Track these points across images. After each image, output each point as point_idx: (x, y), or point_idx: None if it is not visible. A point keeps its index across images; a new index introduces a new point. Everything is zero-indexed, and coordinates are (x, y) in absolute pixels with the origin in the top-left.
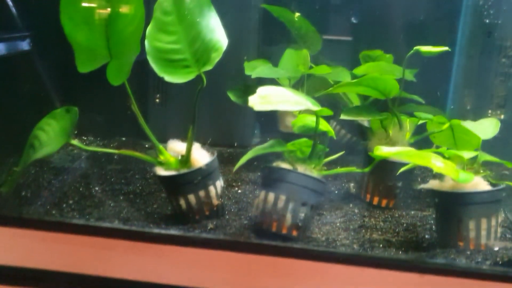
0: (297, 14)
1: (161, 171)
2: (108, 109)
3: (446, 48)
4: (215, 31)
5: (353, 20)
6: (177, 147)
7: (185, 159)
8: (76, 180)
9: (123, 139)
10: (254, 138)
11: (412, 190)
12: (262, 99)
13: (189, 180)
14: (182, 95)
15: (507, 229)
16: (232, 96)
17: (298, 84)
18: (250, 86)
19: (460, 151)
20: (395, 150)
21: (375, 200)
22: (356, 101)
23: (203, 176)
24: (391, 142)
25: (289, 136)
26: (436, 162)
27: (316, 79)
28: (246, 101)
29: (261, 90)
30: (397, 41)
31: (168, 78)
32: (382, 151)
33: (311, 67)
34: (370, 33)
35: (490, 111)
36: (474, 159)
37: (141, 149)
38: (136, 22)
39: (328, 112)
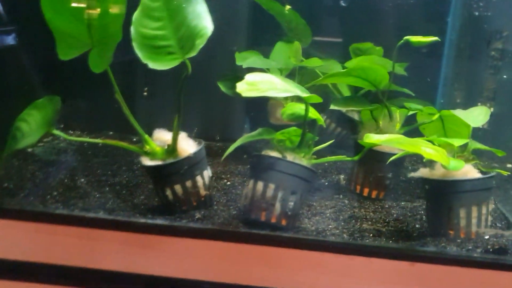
0: (288, 6)
1: (147, 161)
2: (95, 103)
3: (435, 38)
4: (201, 17)
5: (342, 3)
6: (163, 136)
7: (171, 149)
8: (61, 172)
9: (110, 133)
10: (244, 133)
11: (402, 181)
12: (250, 86)
13: (175, 170)
14: (169, 88)
15: (497, 218)
16: (222, 87)
17: (290, 77)
18: (241, 76)
19: (451, 140)
20: (385, 138)
21: (365, 192)
22: (347, 94)
23: (190, 166)
24: (381, 133)
25: (280, 129)
26: (426, 149)
27: (307, 72)
28: (237, 92)
29: (249, 77)
30: (386, 34)
31: (152, 64)
32: (372, 138)
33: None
34: (359, 28)
35: (479, 104)
36: (464, 147)
37: (128, 143)
38: (117, 8)
39: (317, 99)
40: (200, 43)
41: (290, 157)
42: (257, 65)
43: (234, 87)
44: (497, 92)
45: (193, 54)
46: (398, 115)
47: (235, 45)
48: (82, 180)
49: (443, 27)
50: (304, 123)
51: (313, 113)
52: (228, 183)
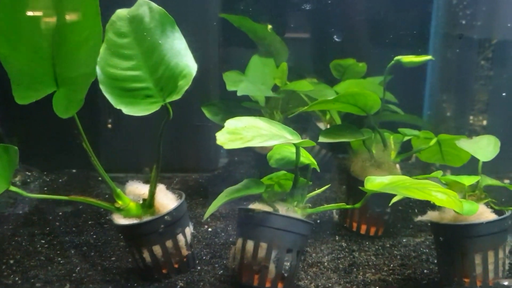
0: (270, 26)
1: (120, 219)
2: (55, 138)
3: (429, 57)
4: (182, 55)
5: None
6: (137, 189)
7: (148, 204)
8: (18, 231)
9: (74, 171)
10: (221, 159)
11: (399, 210)
12: (232, 135)
13: (153, 229)
14: (136, 118)
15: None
16: (207, 113)
17: (273, 99)
18: (227, 101)
19: (460, 177)
20: (389, 180)
21: (363, 229)
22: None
23: (170, 224)
24: (376, 163)
25: (264, 158)
26: (437, 194)
27: (290, 92)
28: (224, 119)
29: (230, 123)
30: (368, 46)
31: (127, 110)
32: (375, 182)
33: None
34: (341, 39)
35: (471, 117)
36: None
37: (94, 183)
38: (91, 42)
39: (309, 143)
40: (184, 84)
41: (282, 209)
42: (249, 92)
43: (220, 113)
44: (489, 104)
45: (176, 97)
46: (392, 141)
47: (204, 64)
48: (43, 241)
49: (425, 35)
50: (296, 168)
51: (305, 157)
52: (210, 229)
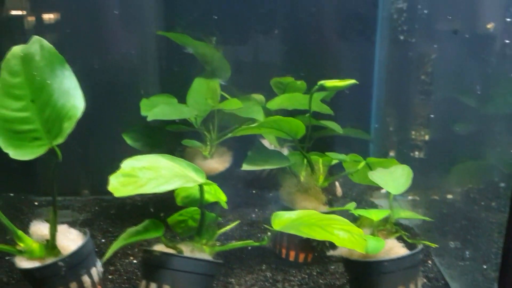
0: (214, 38)
1: (22, 262)
2: None
3: (353, 81)
4: (69, 95)
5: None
6: (40, 229)
7: (51, 246)
8: None
9: (11, 195)
10: None
11: None
12: (127, 178)
13: (54, 272)
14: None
15: (434, 278)
16: (128, 140)
17: (209, 119)
18: (151, 127)
19: (368, 212)
20: (296, 215)
21: (292, 255)
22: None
23: (72, 265)
24: (303, 189)
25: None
26: (339, 233)
27: (227, 113)
28: (146, 145)
29: (127, 164)
30: (316, 62)
31: (14, 153)
32: (282, 218)
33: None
34: (283, 55)
35: (413, 132)
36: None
37: (27, 208)
38: None
39: (209, 183)
40: (68, 127)
41: (187, 249)
42: (165, 116)
43: (142, 139)
44: (431, 118)
45: (60, 140)
46: (321, 165)
47: (139, 86)
48: None
49: (371, 48)
50: (201, 206)
51: (212, 195)
52: (135, 261)
